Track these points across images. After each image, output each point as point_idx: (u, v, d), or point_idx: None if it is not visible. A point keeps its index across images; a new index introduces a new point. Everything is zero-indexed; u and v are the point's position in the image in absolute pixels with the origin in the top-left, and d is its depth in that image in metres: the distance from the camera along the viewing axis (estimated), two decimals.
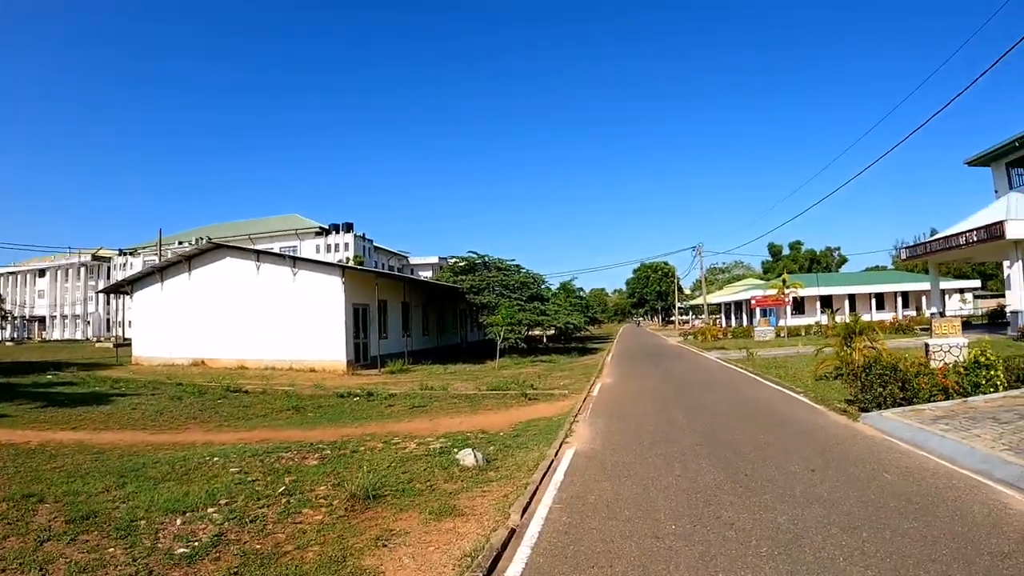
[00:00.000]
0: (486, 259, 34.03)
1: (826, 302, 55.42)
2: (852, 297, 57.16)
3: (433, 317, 35.25)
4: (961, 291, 58.56)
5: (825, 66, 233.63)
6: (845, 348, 15.45)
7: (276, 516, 6.01)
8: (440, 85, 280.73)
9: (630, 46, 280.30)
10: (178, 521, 5.82)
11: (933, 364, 16.57)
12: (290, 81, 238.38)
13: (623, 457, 8.41)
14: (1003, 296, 55.70)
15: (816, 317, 53.05)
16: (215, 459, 8.65)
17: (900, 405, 10.94)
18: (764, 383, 16.74)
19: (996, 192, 40.63)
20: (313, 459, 8.68)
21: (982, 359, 11.76)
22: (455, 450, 8.57)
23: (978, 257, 35.10)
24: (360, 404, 14.89)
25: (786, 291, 38.86)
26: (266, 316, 25.85)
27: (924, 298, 57.68)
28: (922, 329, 32.43)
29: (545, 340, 49.91)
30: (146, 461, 8.66)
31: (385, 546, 5.15)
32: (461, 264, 35.96)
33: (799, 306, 53.79)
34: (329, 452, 9.09)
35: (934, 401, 11.06)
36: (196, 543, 5.21)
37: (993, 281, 65.84)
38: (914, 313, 54.68)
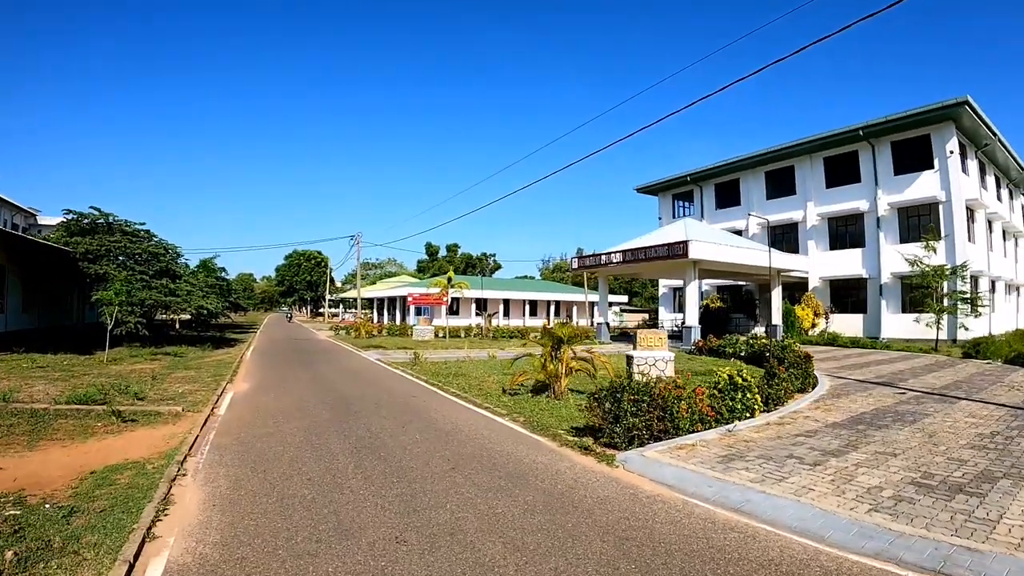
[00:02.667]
0: (111, 219, 28.90)
1: (481, 305, 58.10)
2: (507, 302, 61.40)
3: (41, 289, 30.32)
4: (611, 305, 67.86)
5: (516, 84, 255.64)
6: (553, 360, 13.21)
7: None
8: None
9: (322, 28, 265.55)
10: None
11: (637, 378, 15.94)
12: None
13: None
14: (647, 312, 67.51)
15: (471, 319, 55.11)
16: None
17: (659, 439, 8.74)
18: (450, 399, 13.72)
19: (660, 219, 47.71)
20: None
21: (738, 380, 10.57)
22: None
23: (646, 274, 39.64)
24: None
25: (449, 289, 38.15)
26: None
27: (575, 308, 65.66)
28: (586, 337, 34.59)
29: (178, 326, 47.35)
30: None
31: None
32: (81, 223, 28.87)
33: (454, 307, 55.11)
34: None
35: (695, 432, 9.23)
36: None
37: (638, 298, 78.72)
38: (565, 321, 61.38)
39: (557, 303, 66.01)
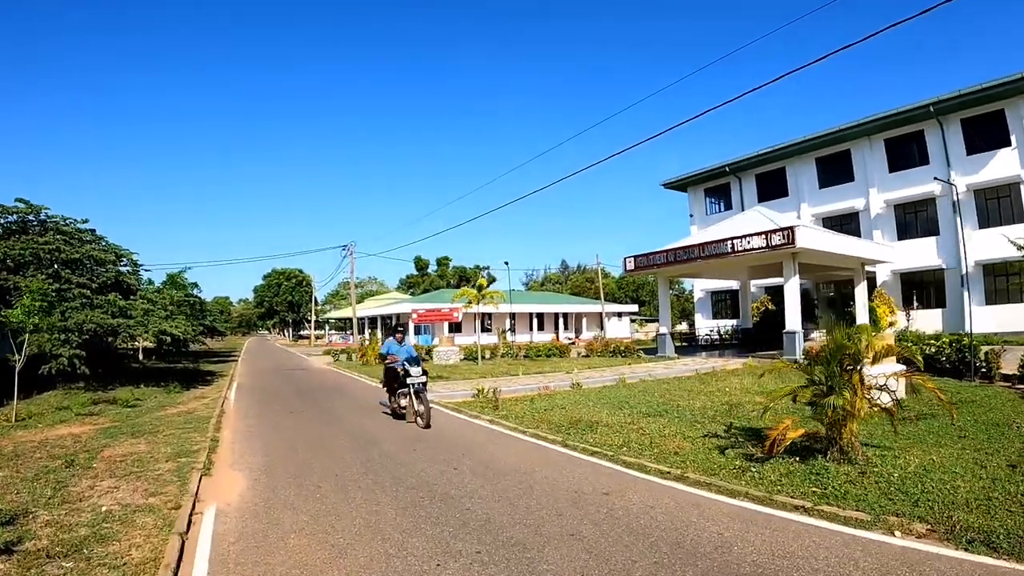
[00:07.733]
0: (43, 215, 22.34)
1: (484, 320, 53.71)
2: (513, 316, 57.07)
3: None
4: (620, 315, 64.22)
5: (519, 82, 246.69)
6: (844, 392, 8.78)
7: None
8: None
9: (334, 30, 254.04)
10: None
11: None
12: None
13: None
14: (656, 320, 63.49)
15: (475, 336, 50.20)
16: None
17: None
18: (687, 491, 7.26)
19: (691, 216, 43.67)
20: None
21: None
22: None
23: (706, 274, 35.31)
24: None
25: (481, 301, 33.65)
26: None
27: (584, 320, 61.63)
28: (645, 351, 30.49)
29: (141, 356, 38.89)
30: None
31: None
32: (4, 220, 22.04)
33: (456, 324, 50.55)
34: None
35: None
36: None
37: (646, 307, 74.73)
38: (574, 335, 57.48)
39: (565, 315, 62.14)
